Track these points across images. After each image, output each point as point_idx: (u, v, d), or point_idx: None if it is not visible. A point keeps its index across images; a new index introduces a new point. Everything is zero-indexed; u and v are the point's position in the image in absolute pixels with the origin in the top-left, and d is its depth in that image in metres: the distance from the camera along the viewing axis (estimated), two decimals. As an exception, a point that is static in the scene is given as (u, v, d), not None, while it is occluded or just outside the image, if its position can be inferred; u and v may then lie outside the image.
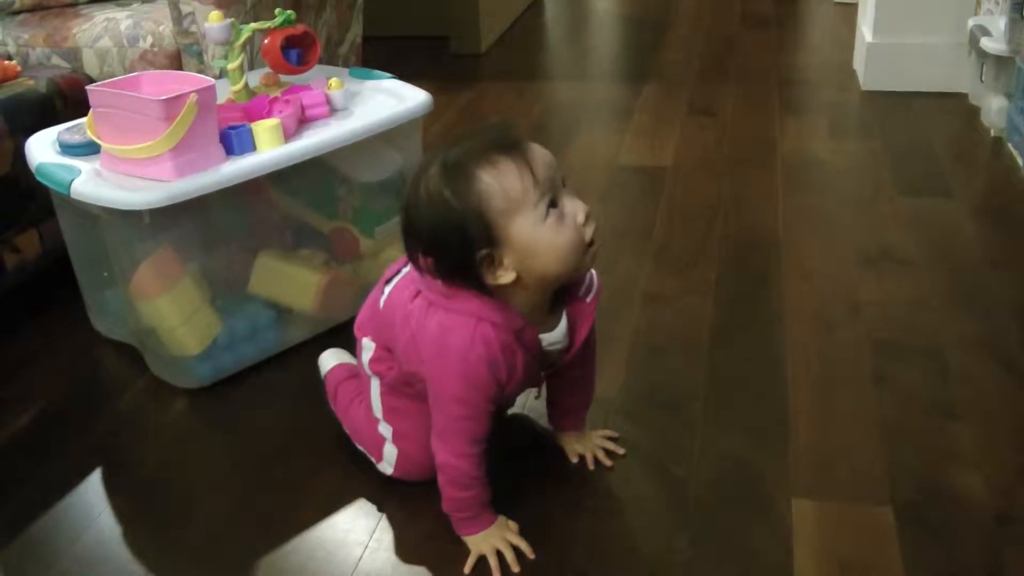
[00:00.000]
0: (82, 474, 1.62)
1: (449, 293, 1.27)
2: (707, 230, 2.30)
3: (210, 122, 1.64)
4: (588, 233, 1.25)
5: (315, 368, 1.76)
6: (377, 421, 1.49)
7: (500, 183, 1.19)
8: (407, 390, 1.43)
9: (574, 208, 1.24)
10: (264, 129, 1.71)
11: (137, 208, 1.57)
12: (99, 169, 1.67)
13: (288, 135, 1.76)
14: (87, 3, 2.42)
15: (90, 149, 1.72)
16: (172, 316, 1.73)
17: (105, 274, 1.85)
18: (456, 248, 1.22)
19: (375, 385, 1.47)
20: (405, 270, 1.41)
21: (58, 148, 1.75)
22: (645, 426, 1.65)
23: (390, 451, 1.48)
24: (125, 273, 1.73)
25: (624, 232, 2.31)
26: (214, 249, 1.80)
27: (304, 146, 1.74)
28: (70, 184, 1.62)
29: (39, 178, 1.71)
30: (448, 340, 1.27)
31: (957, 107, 2.97)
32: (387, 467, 1.50)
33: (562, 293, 1.35)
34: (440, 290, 1.28)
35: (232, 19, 1.82)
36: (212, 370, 1.80)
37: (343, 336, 1.89)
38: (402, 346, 1.36)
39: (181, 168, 1.60)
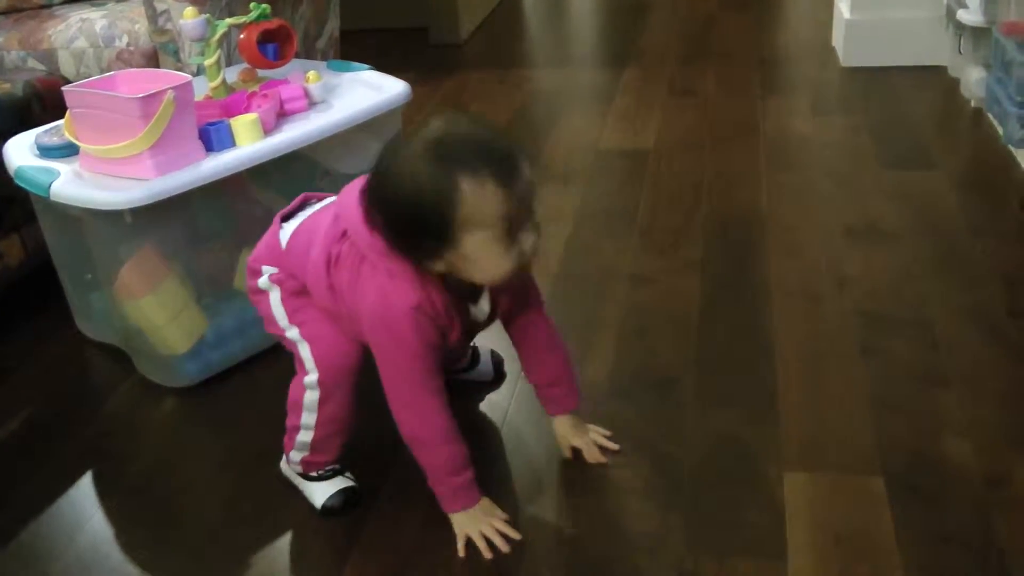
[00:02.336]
0: (74, 477, 1.62)
1: (386, 252, 1.28)
2: (691, 210, 2.30)
3: (188, 119, 1.64)
4: (522, 260, 1.27)
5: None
6: (283, 330, 1.47)
7: (477, 200, 1.19)
8: (306, 293, 1.44)
9: (527, 243, 1.26)
10: (243, 124, 1.71)
11: (118, 208, 1.57)
12: (78, 170, 1.67)
13: (267, 129, 1.75)
14: (61, 4, 2.41)
15: (69, 151, 1.71)
16: (158, 315, 1.73)
17: (89, 276, 1.85)
18: (409, 228, 1.24)
19: (275, 296, 1.46)
20: (307, 211, 1.48)
21: (36, 151, 1.75)
22: (636, 406, 1.66)
23: (304, 351, 1.45)
24: (109, 274, 1.72)
25: (608, 214, 2.31)
26: (197, 246, 1.79)
27: (284, 140, 1.74)
28: (49, 186, 1.62)
29: (18, 182, 1.70)
30: (388, 309, 1.29)
31: (936, 80, 2.97)
32: (312, 374, 1.45)
33: None
34: (379, 248, 1.28)
35: (207, 15, 1.81)
36: (200, 368, 1.79)
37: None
38: (321, 283, 1.38)
39: (161, 166, 1.60)
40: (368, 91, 1.93)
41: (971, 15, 2.62)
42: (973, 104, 2.73)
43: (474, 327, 1.42)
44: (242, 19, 1.86)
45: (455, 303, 1.33)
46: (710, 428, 1.60)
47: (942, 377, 1.67)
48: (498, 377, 1.76)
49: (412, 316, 1.29)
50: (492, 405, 1.71)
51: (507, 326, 1.50)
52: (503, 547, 1.38)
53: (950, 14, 2.77)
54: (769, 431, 1.57)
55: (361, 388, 1.45)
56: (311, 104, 1.87)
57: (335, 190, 1.92)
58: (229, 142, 1.71)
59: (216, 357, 1.81)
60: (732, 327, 1.86)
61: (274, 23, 1.89)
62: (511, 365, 1.76)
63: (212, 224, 1.80)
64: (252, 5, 1.87)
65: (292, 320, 1.45)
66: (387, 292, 1.29)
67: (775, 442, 1.55)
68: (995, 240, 2.08)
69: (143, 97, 1.55)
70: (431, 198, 1.20)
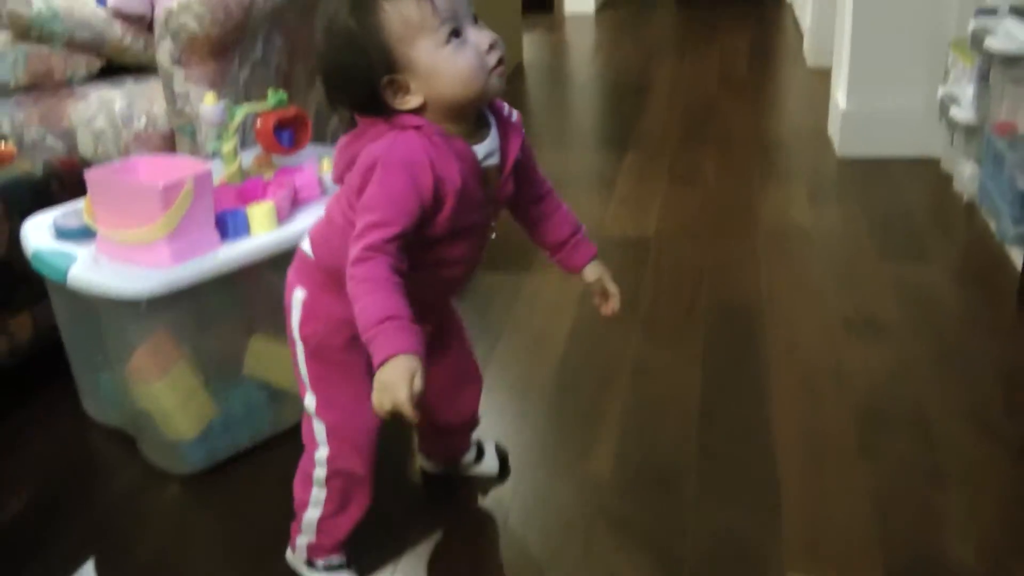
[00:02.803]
0: (77, 562, 1.62)
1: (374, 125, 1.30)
2: (692, 300, 2.33)
3: (206, 207, 1.67)
4: (491, 59, 1.28)
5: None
6: (303, 392, 1.46)
7: (399, 10, 1.23)
8: (332, 355, 1.42)
9: (479, 38, 1.28)
10: (259, 212, 1.74)
11: (135, 297, 1.59)
12: (95, 255, 1.69)
13: (282, 217, 1.78)
14: (82, 82, 2.46)
15: (86, 233, 1.74)
16: (168, 400, 1.74)
17: (99, 358, 1.86)
18: (361, 77, 1.26)
19: (300, 351, 1.44)
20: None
21: (54, 233, 1.77)
22: (639, 503, 1.67)
23: (319, 426, 1.45)
24: (121, 358, 1.74)
25: (610, 303, 2.34)
26: (208, 332, 1.81)
27: (299, 230, 1.76)
28: (67, 272, 1.65)
29: (35, 265, 1.73)
30: (372, 154, 1.27)
31: (931, 172, 3.03)
32: (323, 449, 1.45)
33: (484, 117, 1.37)
34: (368, 131, 1.30)
35: (226, 101, 1.85)
36: (207, 454, 1.81)
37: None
38: (337, 207, 1.37)
39: (178, 254, 1.63)
40: (379, 180, 1.96)
41: (963, 112, 2.69)
42: (966, 198, 2.79)
43: (486, 178, 1.36)
44: (260, 106, 1.90)
45: (459, 143, 1.30)
46: (712, 524, 1.61)
47: (941, 477, 1.70)
48: (503, 472, 1.77)
49: (410, 163, 1.25)
50: (496, 502, 1.72)
51: (516, 208, 1.51)
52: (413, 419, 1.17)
53: (943, 109, 2.84)
54: (770, 529, 1.59)
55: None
56: (324, 192, 1.90)
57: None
58: (244, 230, 1.74)
59: (223, 444, 1.82)
60: (733, 421, 1.88)
61: (291, 111, 1.93)
62: (515, 459, 1.78)
63: (223, 309, 1.82)
64: (270, 92, 1.91)
65: (313, 387, 1.45)
66: (371, 148, 1.27)
67: (776, 540, 1.57)
68: (991, 337, 2.12)
69: (164, 185, 1.58)
70: (364, 33, 1.24)
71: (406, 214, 1.24)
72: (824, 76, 3.86)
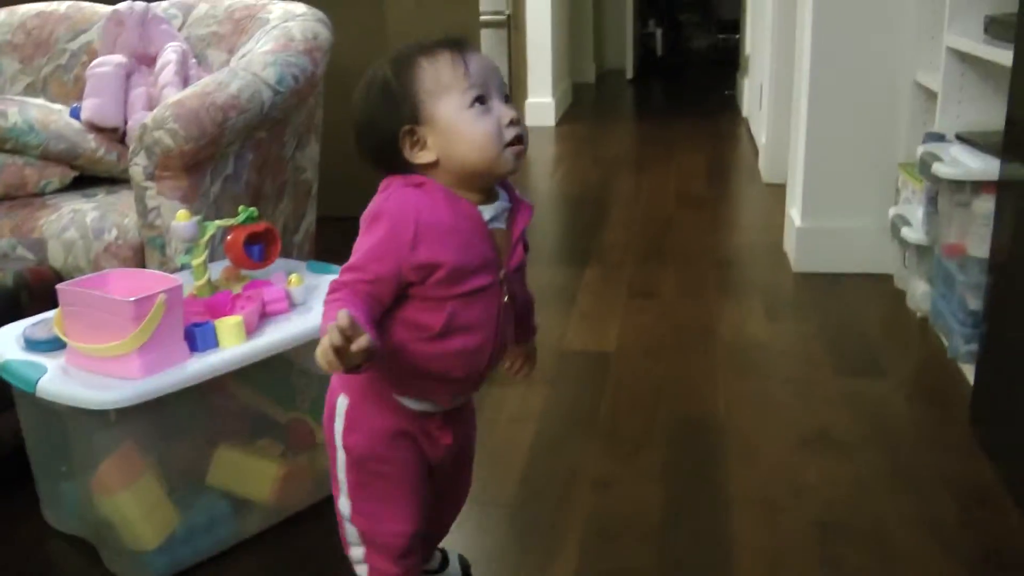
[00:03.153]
0: (38, 674, 1.61)
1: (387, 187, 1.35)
2: (652, 414, 2.37)
3: (176, 320, 1.70)
4: (509, 134, 1.32)
5: (273, 558, 1.78)
6: (340, 493, 1.48)
7: (434, 67, 1.32)
8: (373, 466, 1.43)
9: (502, 111, 1.33)
10: (227, 326, 1.77)
11: (105, 408, 1.61)
12: (64, 366, 1.71)
13: (250, 331, 1.81)
14: (54, 193, 2.49)
15: (55, 345, 1.75)
16: (133, 510, 1.75)
17: (63, 468, 1.87)
18: (385, 122, 1.33)
19: (341, 458, 1.45)
20: None
21: (23, 344, 1.79)
22: (601, 615, 1.69)
23: (352, 531, 1.49)
24: (87, 468, 1.75)
25: (572, 416, 2.37)
26: (174, 442, 1.83)
27: (266, 343, 1.80)
28: (36, 383, 1.66)
29: (4, 376, 1.74)
30: (368, 209, 1.33)
31: (884, 288, 3.12)
32: (357, 548, 1.50)
33: (495, 192, 1.40)
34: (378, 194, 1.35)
35: (198, 217, 1.89)
36: (169, 564, 1.80)
37: (301, 526, 1.93)
38: None
39: (148, 366, 1.65)
40: (347, 294, 2.00)
41: (914, 233, 2.78)
42: (919, 315, 2.86)
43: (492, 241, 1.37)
44: (231, 221, 1.94)
45: (464, 204, 1.33)
46: (674, 638, 1.63)
47: (899, 591, 1.73)
48: (465, 583, 1.79)
49: (393, 215, 1.30)
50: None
51: None
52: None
53: (895, 229, 2.93)
54: (732, 643, 1.61)
55: None
56: (292, 306, 1.93)
57: (309, 388, 2.00)
58: (213, 343, 1.76)
59: (186, 553, 1.82)
60: (693, 535, 1.91)
61: (261, 226, 1.97)
62: (477, 571, 1.80)
63: (189, 420, 1.84)
64: (241, 208, 1.96)
65: (350, 494, 1.46)
66: (387, 196, 1.33)
67: (738, 655, 1.58)
68: (944, 452, 2.16)
69: (136, 300, 1.61)
70: (398, 84, 1.32)
71: (380, 263, 1.29)
72: (779, 192, 3.97)
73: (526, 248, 1.44)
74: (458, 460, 1.56)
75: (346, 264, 1.32)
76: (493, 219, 1.37)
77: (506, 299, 1.40)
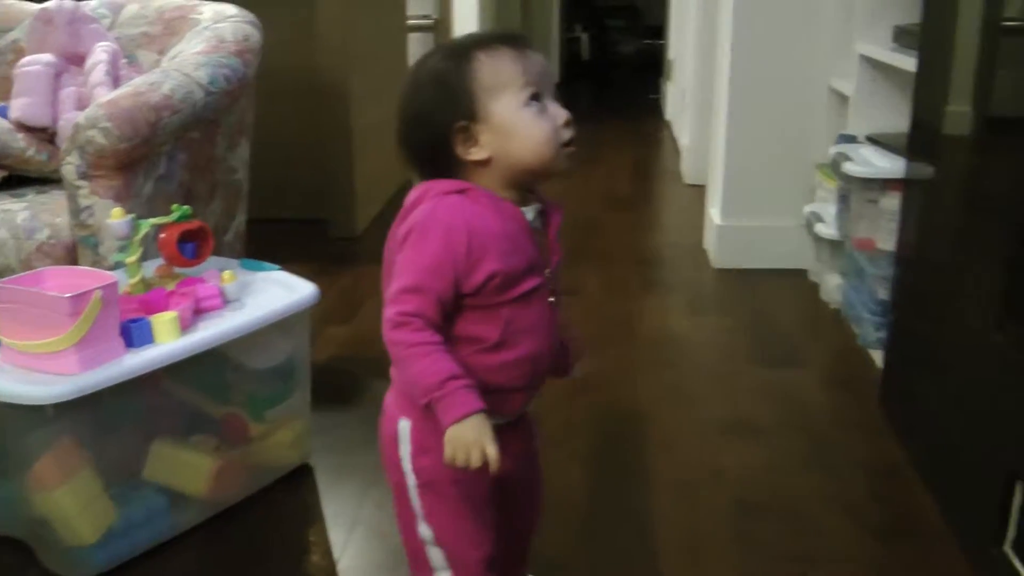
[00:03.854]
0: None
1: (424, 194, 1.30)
2: (577, 405, 2.44)
3: (112, 316, 1.73)
4: (565, 135, 1.30)
5: (210, 551, 1.82)
6: (417, 520, 1.40)
7: (493, 63, 1.27)
8: (445, 488, 1.37)
9: (557, 110, 1.30)
10: (162, 322, 1.81)
11: (44, 403, 1.64)
12: (0, 363, 1.73)
13: (185, 327, 1.85)
14: (-19, 194, 2.50)
15: (-10, 343, 1.78)
16: (70, 506, 1.77)
17: (-1, 466, 1.89)
18: (439, 120, 1.28)
19: (412, 484, 1.38)
20: None
21: (-44, 343, 1.81)
22: (529, 594, 1.75)
23: (436, 554, 1.40)
24: (23, 466, 1.77)
25: (501, 408, 2.43)
26: (111, 437, 1.85)
27: (201, 338, 1.83)
28: (-29, 381, 1.68)
29: (-61, 375, 1.76)
30: (411, 221, 1.27)
31: (800, 283, 3.23)
32: (443, 573, 1.41)
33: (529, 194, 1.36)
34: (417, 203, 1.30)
35: (133, 215, 1.92)
36: (107, 558, 1.83)
37: (236, 519, 1.97)
38: None
39: (84, 361, 1.68)
40: (279, 291, 2.04)
41: (828, 229, 2.90)
42: (832, 307, 2.98)
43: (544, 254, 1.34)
44: (164, 219, 1.98)
45: (506, 204, 1.30)
46: (599, 614, 1.70)
47: (813, 560, 1.83)
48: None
49: (445, 226, 1.25)
50: None
51: None
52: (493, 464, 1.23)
53: (810, 226, 3.04)
54: (653, 617, 1.69)
55: None
56: (226, 302, 1.97)
57: (243, 383, 2.04)
58: (149, 338, 1.80)
59: (123, 547, 1.85)
60: (617, 517, 1.98)
61: (194, 224, 2.01)
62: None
63: (123, 414, 1.86)
64: (174, 206, 1.99)
65: (428, 518, 1.39)
66: (433, 206, 1.27)
67: (659, 628, 1.66)
68: (856, 433, 2.27)
69: (73, 296, 1.64)
70: (455, 77, 1.27)
71: (440, 279, 1.25)
72: (701, 192, 4.07)
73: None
74: (530, 469, 1.51)
75: (402, 285, 1.25)
76: (532, 220, 1.34)
77: (552, 299, 1.36)
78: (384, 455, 1.41)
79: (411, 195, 1.31)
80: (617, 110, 7.26)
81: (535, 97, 1.28)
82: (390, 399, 1.40)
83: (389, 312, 1.26)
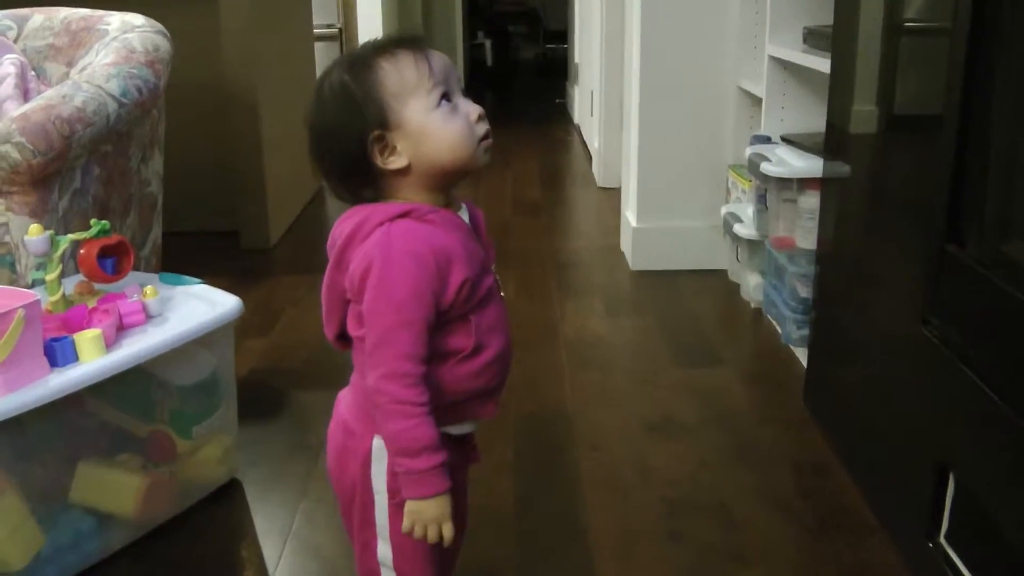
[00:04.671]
0: None
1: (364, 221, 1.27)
2: (501, 410, 2.43)
3: (35, 336, 1.68)
4: (480, 130, 1.29)
5: (141, 572, 1.79)
6: (378, 539, 1.37)
7: (397, 68, 1.25)
8: None
9: (468, 106, 1.29)
10: (86, 340, 1.77)
11: (-32, 426, 1.59)
12: (-81, 388, 1.68)
13: (108, 344, 1.81)
14: None
15: (-94, 367, 1.72)
16: (-4, 531, 1.73)
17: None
18: (351, 133, 1.25)
19: (382, 502, 1.35)
20: None
21: None
22: (467, 602, 1.75)
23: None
24: (-54, 490, 1.72)
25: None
26: (35, 460, 1.81)
27: (127, 355, 1.80)
28: None
29: None
30: (367, 256, 1.24)
31: (719, 283, 3.28)
32: None
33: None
34: (358, 231, 1.27)
35: (51, 231, 1.88)
36: (36, 582, 1.79)
37: (166, 538, 1.94)
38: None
39: (8, 383, 1.64)
40: (202, 305, 2.01)
41: (746, 229, 2.94)
42: (753, 305, 3.03)
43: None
44: (84, 235, 1.94)
45: (445, 213, 1.29)
46: (539, 619, 1.70)
47: (744, 556, 1.85)
48: None
49: (390, 255, 1.22)
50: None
51: None
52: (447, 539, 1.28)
53: (727, 226, 3.09)
54: (595, 618, 1.70)
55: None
56: (148, 318, 1.94)
57: (169, 399, 2.00)
58: (72, 357, 1.76)
59: (52, 572, 1.80)
60: (547, 519, 1.99)
61: (114, 239, 1.97)
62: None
63: (47, 435, 1.82)
64: (93, 222, 1.95)
65: (392, 538, 1.36)
66: (366, 250, 1.24)
67: (601, 629, 1.67)
68: (781, 430, 2.31)
69: (-6, 316, 1.60)
70: (359, 89, 1.25)
71: (421, 305, 1.23)
72: (614, 195, 4.12)
73: None
74: (467, 480, 1.50)
75: (386, 326, 1.23)
76: (467, 221, 1.34)
77: (502, 293, 1.38)
78: (342, 473, 1.37)
79: (343, 226, 1.29)
80: (524, 115, 7.29)
81: (445, 97, 1.27)
82: (353, 416, 1.36)
83: (372, 373, 1.24)
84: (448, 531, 1.26)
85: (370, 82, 1.26)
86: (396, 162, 1.27)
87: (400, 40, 1.29)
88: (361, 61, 1.27)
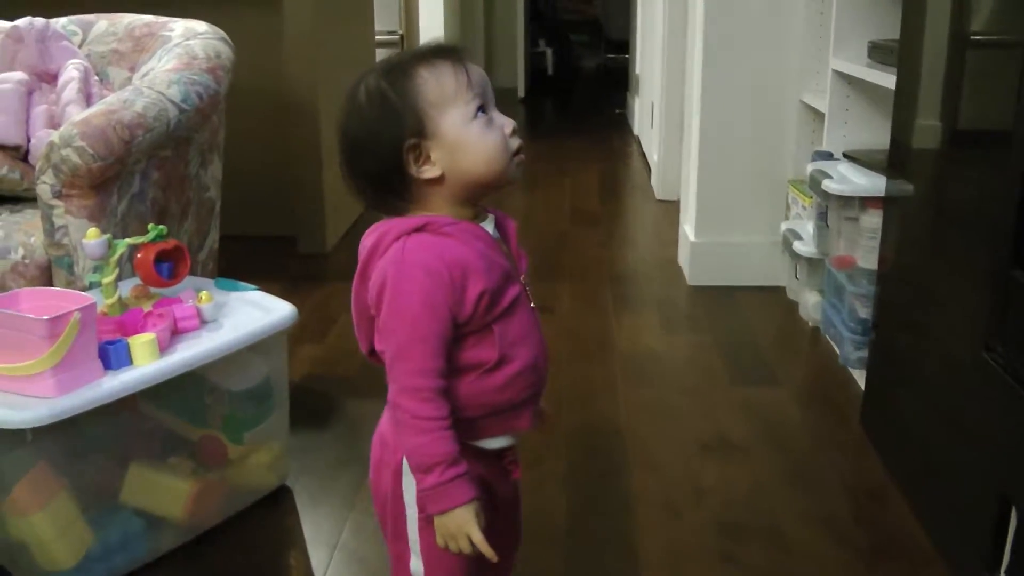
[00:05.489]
0: None
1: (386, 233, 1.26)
2: (554, 424, 2.43)
3: (90, 339, 1.70)
4: (514, 144, 1.28)
5: (185, 575, 1.78)
6: (412, 553, 1.36)
7: (436, 78, 1.25)
8: None
9: (502, 120, 1.28)
10: (140, 344, 1.78)
11: (22, 427, 1.60)
12: (-25, 388, 1.69)
13: (162, 348, 1.82)
14: (-47, 215, 2.46)
15: (-36, 367, 1.74)
16: (47, 531, 1.74)
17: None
18: (386, 140, 1.25)
19: (413, 516, 1.34)
20: None
21: (-69, 365, 1.77)
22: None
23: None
24: (1, 490, 1.73)
25: (479, 427, 2.41)
26: (87, 461, 1.82)
27: (180, 360, 1.80)
28: (-54, 405, 1.65)
29: (-88, 398, 1.72)
30: (382, 272, 1.23)
31: (777, 300, 3.24)
32: None
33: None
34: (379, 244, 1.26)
35: (108, 235, 1.89)
36: (84, 583, 1.80)
37: (214, 543, 1.94)
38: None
39: (63, 384, 1.65)
40: (256, 312, 2.01)
41: (805, 247, 2.90)
42: (811, 324, 2.98)
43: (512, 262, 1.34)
44: (140, 239, 1.95)
45: (468, 225, 1.28)
46: (587, 639, 1.68)
47: (798, 584, 1.82)
48: None
49: (404, 269, 1.21)
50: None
51: None
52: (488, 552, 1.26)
53: (786, 243, 3.05)
54: (643, 641, 1.67)
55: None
56: (203, 323, 1.94)
57: (221, 405, 2.01)
58: (126, 360, 1.77)
59: (100, 571, 1.81)
60: (599, 538, 1.96)
61: (170, 244, 1.98)
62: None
63: (101, 439, 1.83)
64: (150, 226, 1.96)
65: (424, 553, 1.35)
66: (382, 267, 1.23)
67: (649, 652, 1.64)
68: (837, 454, 2.26)
69: (51, 318, 1.61)
70: (397, 96, 1.24)
71: (437, 319, 1.22)
72: (672, 208, 4.08)
73: None
74: (516, 495, 1.48)
75: (401, 341, 1.22)
76: (492, 232, 1.33)
77: (532, 304, 1.35)
78: (378, 485, 1.38)
79: (365, 241, 1.29)
80: (583, 124, 7.26)
81: (481, 109, 1.27)
82: (388, 429, 1.36)
83: (392, 386, 1.24)
84: (476, 538, 1.24)
85: (408, 90, 1.25)
86: (430, 171, 1.26)
87: (439, 49, 1.29)
88: (399, 68, 1.27)
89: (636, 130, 6.32)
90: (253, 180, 3.88)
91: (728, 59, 3.25)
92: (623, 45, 8.32)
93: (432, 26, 6.24)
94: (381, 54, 5.31)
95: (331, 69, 3.93)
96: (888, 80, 2.30)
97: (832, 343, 2.78)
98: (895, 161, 2.20)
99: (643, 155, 5.67)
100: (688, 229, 3.48)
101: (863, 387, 2.41)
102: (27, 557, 1.78)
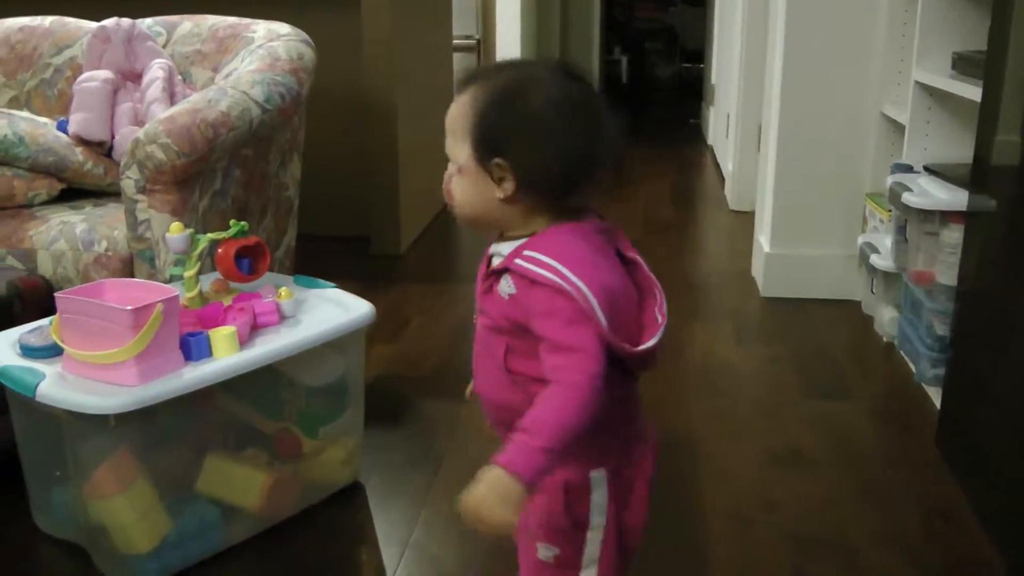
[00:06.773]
0: (30, 675, 1.63)
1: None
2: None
3: (172, 330, 1.73)
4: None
5: (261, 566, 1.81)
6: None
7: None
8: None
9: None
10: (221, 337, 1.81)
11: (105, 413, 1.64)
12: (62, 372, 1.74)
13: (242, 342, 1.85)
14: (41, 205, 2.52)
15: (51, 352, 1.78)
16: (126, 515, 1.78)
17: (57, 473, 1.89)
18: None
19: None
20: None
21: (19, 350, 1.82)
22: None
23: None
24: (83, 473, 1.78)
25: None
26: (166, 449, 1.86)
27: (259, 354, 1.83)
28: (36, 387, 1.69)
29: (3, 381, 1.76)
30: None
31: (851, 314, 3.20)
32: None
33: None
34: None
35: (191, 230, 1.93)
36: (160, 568, 1.83)
37: (287, 534, 1.96)
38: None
39: (144, 373, 1.68)
40: (335, 309, 2.04)
41: (883, 260, 2.86)
42: (886, 340, 2.95)
43: None
44: (222, 235, 1.98)
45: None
46: (654, 647, 1.68)
47: (869, 603, 1.79)
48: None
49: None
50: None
51: None
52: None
53: (863, 257, 3.01)
54: (710, 650, 1.66)
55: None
56: (282, 319, 1.97)
57: (297, 400, 2.03)
58: (207, 352, 1.80)
59: (176, 558, 1.85)
60: (670, 549, 1.95)
61: (251, 240, 2.01)
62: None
63: (179, 428, 1.87)
64: (232, 222, 2.00)
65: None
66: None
67: (716, 661, 1.64)
68: (910, 472, 2.23)
69: (135, 308, 1.64)
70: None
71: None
72: (746, 218, 4.06)
73: None
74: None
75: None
76: None
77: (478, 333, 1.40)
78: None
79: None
80: (657, 134, 7.23)
81: None
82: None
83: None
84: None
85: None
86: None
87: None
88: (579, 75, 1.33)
89: (710, 140, 6.29)
90: (330, 181, 3.93)
91: (808, 69, 3.23)
92: (698, 54, 8.29)
93: (509, 32, 6.26)
94: (458, 59, 5.35)
95: (409, 73, 3.97)
96: (972, 92, 2.27)
97: (907, 359, 2.75)
98: (978, 175, 2.17)
99: (717, 165, 5.64)
100: (763, 240, 3.46)
101: (939, 405, 2.38)
102: (106, 540, 1.82)
